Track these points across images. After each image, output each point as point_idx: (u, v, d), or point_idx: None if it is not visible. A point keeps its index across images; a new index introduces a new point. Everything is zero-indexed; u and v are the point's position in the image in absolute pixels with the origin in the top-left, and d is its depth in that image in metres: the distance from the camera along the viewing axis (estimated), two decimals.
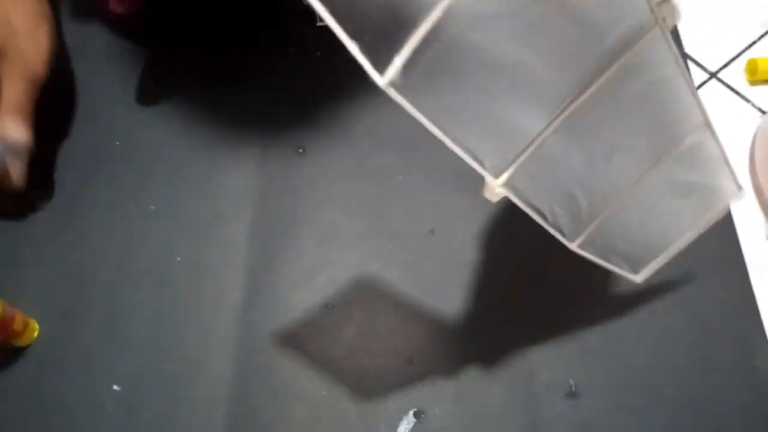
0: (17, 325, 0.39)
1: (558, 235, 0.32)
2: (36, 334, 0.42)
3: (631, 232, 0.35)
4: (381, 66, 0.22)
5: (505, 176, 0.28)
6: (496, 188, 0.28)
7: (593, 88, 0.27)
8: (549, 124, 0.28)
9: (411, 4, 0.22)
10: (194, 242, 0.46)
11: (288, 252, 0.46)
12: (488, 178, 0.28)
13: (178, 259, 0.45)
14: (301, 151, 0.49)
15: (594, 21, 0.26)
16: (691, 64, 0.55)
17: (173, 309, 0.44)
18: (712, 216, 0.37)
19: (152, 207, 0.47)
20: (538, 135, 0.28)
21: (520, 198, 0.29)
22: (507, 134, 0.28)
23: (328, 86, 0.51)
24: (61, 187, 0.47)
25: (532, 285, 0.45)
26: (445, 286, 0.45)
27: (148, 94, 0.51)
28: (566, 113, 0.28)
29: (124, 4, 0.51)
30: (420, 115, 0.24)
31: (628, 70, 0.28)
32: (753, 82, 0.54)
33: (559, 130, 0.28)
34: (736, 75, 0.54)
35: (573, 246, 0.33)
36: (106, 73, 0.52)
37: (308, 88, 0.51)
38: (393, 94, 0.23)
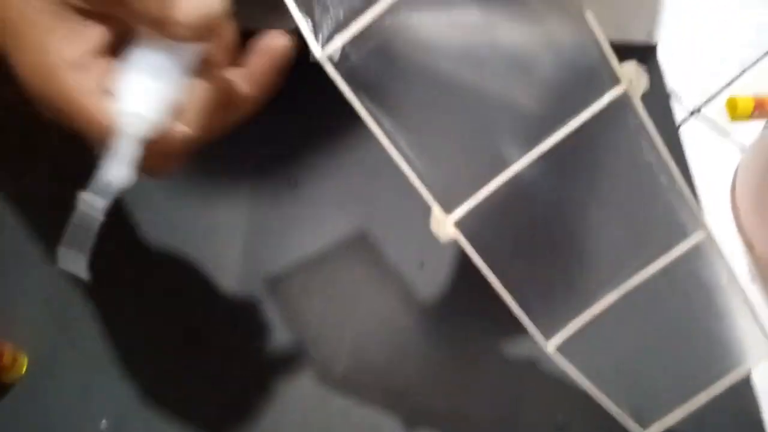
0: (6, 359, 0.39)
1: (527, 322, 0.29)
2: (24, 368, 0.41)
3: (626, 361, 0.33)
4: (324, 43, 0.25)
5: (458, 213, 0.27)
6: (445, 225, 0.27)
7: (559, 136, 0.28)
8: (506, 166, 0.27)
9: None
10: (180, 278, 0.46)
11: (278, 283, 0.46)
12: (435, 209, 0.27)
13: (165, 295, 0.45)
14: (293, 182, 0.50)
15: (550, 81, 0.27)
16: (673, 101, 0.56)
17: (159, 342, 0.44)
18: (735, 375, 0.33)
19: (145, 237, 0.47)
20: (493, 174, 0.27)
21: (474, 247, 0.28)
22: (457, 165, 0.28)
23: (321, 120, 0.52)
24: (50, 221, 0.47)
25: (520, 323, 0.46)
26: (434, 319, 0.46)
27: None
28: (534, 152, 0.27)
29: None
30: (350, 94, 0.26)
31: (597, 132, 0.28)
32: (734, 119, 0.56)
33: (525, 173, 0.28)
34: (717, 112, 0.56)
35: (549, 347, 0.30)
36: None
37: (301, 121, 0.52)
38: (328, 67, 0.25)
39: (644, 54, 0.57)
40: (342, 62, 0.25)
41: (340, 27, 0.25)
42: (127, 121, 0.25)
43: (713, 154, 0.54)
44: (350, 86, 0.25)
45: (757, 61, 0.58)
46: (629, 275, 0.29)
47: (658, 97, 0.56)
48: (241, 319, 0.45)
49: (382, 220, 0.49)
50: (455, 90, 0.27)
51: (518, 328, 0.45)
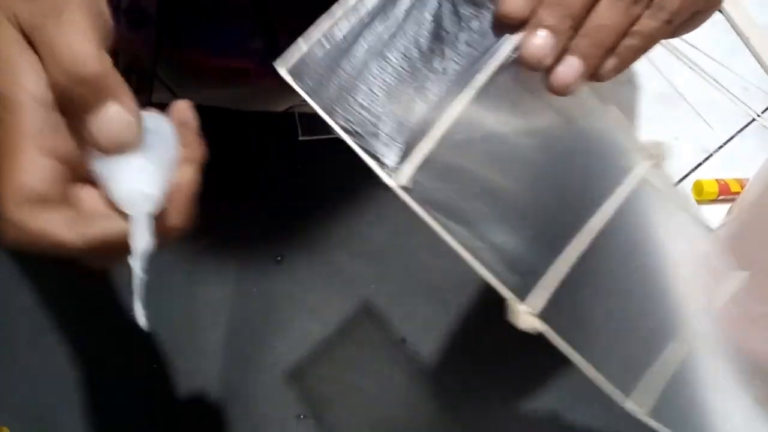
0: None
1: (610, 389, 0.30)
2: None
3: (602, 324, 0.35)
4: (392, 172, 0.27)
5: (536, 303, 0.29)
6: (526, 315, 0.29)
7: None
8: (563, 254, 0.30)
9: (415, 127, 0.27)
10: (170, 349, 0.47)
11: (262, 359, 0.47)
12: (513, 302, 0.29)
13: (154, 366, 0.46)
14: (279, 259, 0.51)
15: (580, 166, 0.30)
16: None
17: (147, 416, 0.44)
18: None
19: (125, 314, 0.48)
20: (556, 260, 0.29)
21: (560, 335, 0.29)
22: (522, 252, 0.29)
23: (306, 198, 0.54)
24: (37, 292, 0.48)
25: (503, 396, 0.47)
26: (416, 395, 0.47)
27: None
28: (582, 240, 0.30)
29: None
30: (427, 216, 0.28)
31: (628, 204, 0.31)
32: (700, 202, 0.59)
33: (582, 261, 0.30)
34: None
35: (641, 413, 0.31)
36: None
37: (287, 199, 0.54)
38: (402, 194, 0.27)
39: None
40: (412, 188, 0.27)
41: (404, 156, 0.27)
42: (133, 199, 0.26)
43: None
44: (424, 207, 0.27)
45: (720, 147, 0.61)
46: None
47: None
48: (223, 393, 0.45)
49: (363, 297, 0.50)
50: (517, 190, 0.30)
51: (496, 406, 0.47)
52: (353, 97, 0.27)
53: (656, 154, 0.32)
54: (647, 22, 0.29)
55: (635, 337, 0.32)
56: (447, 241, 0.28)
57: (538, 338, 0.30)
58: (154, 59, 0.45)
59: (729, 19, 0.69)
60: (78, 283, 0.49)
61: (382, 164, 0.27)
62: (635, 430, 0.34)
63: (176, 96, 0.58)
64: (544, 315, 0.29)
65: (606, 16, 0.28)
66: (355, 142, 0.27)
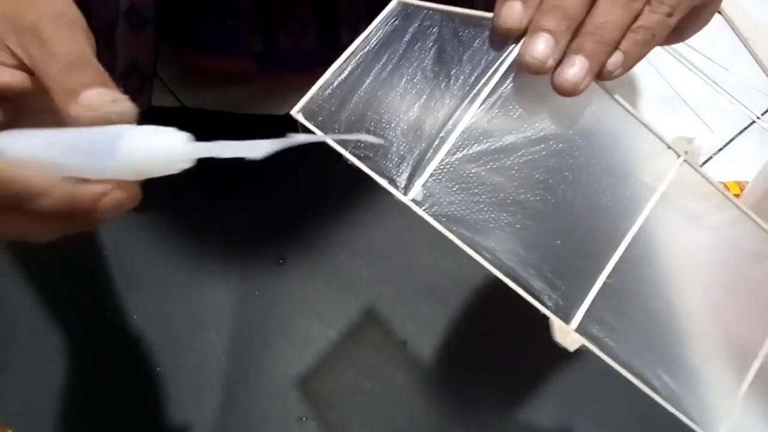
0: None
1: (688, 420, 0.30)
2: None
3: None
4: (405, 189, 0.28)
5: (576, 319, 0.29)
6: (569, 334, 0.29)
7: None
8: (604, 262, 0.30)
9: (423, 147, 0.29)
10: (174, 350, 0.47)
11: (264, 361, 0.47)
12: (556, 322, 0.29)
13: (158, 368, 0.46)
14: (281, 261, 0.52)
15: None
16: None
17: (151, 415, 0.45)
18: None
19: (135, 316, 0.48)
20: (592, 271, 0.29)
21: (606, 353, 0.29)
22: (552, 262, 0.30)
23: (308, 200, 0.55)
24: (44, 293, 0.49)
25: (504, 397, 0.47)
26: (418, 398, 0.47)
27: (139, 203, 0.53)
28: (620, 248, 0.30)
29: None
30: (443, 228, 0.28)
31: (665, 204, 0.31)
32: None
33: (620, 269, 0.30)
34: None
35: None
36: None
37: (290, 202, 0.55)
38: (415, 208, 0.28)
39: None
40: (426, 201, 0.28)
41: (414, 172, 0.28)
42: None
43: None
44: (440, 221, 0.28)
45: (720, 149, 0.62)
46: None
47: None
48: (225, 394, 0.46)
49: (365, 298, 0.51)
50: (539, 197, 0.30)
51: (498, 407, 0.47)
52: (362, 126, 0.28)
53: (689, 151, 0.32)
54: (649, 16, 0.29)
55: (677, 338, 0.32)
56: (472, 255, 0.28)
57: (539, 340, 0.30)
58: (154, 61, 0.46)
59: (728, 21, 0.69)
60: (80, 281, 0.49)
61: (393, 182, 0.28)
62: (639, 428, 0.35)
63: (177, 97, 0.58)
64: (586, 330, 0.29)
65: (607, 12, 0.28)
66: (367, 165, 0.28)
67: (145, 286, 0.50)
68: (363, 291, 0.51)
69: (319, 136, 0.27)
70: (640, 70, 0.64)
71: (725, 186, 0.58)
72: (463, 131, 0.29)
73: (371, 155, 0.28)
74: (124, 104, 0.26)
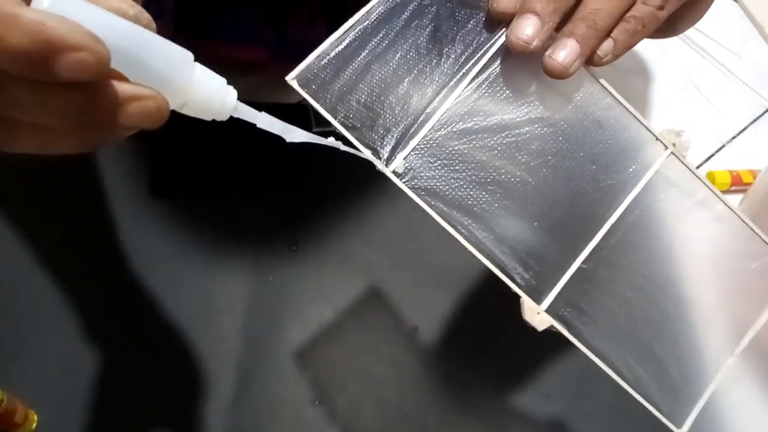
0: (18, 417, 0.41)
1: (659, 415, 0.31)
2: (35, 425, 0.43)
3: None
4: (387, 161, 0.29)
5: (547, 301, 0.30)
6: (538, 314, 0.29)
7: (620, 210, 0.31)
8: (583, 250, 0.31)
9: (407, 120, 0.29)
10: (189, 335, 0.48)
11: (277, 346, 0.48)
12: (527, 301, 0.29)
13: (173, 353, 0.47)
14: (294, 248, 0.52)
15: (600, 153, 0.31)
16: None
17: (167, 400, 0.46)
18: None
19: (151, 301, 0.49)
20: (569, 257, 0.30)
21: (575, 335, 0.30)
22: (535, 252, 0.30)
23: (320, 188, 0.55)
24: (63, 280, 0.50)
25: (513, 383, 0.48)
26: (428, 381, 0.48)
27: (155, 189, 0.54)
28: (598, 235, 0.31)
29: None
30: (420, 201, 0.30)
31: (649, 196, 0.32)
32: None
33: (596, 255, 0.31)
34: None
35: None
36: (113, 171, 0.55)
37: (302, 189, 0.55)
38: (395, 179, 0.29)
39: None
40: (407, 174, 0.29)
41: (398, 145, 0.29)
42: None
43: None
44: (419, 194, 0.29)
45: (733, 137, 0.61)
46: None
47: None
48: (239, 378, 0.47)
49: (376, 284, 0.51)
50: (519, 179, 0.31)
51: (509, 391, 0.47)
52: (353, 96, 0.29)
53: (676, 144, 0.33)
54: (640, 8, 0.30)
55: (648, 327, 0.33)
56: (447, 229, 0.29)
57: (549, 330, 0.30)
58: None
59: (743, 7, 0.69)
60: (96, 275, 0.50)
61: (377, 153, 0.29)
62: (648, 416, 0.35)
63: None
64: (557, 312, 0.30)
65: (601, 0, 0.29)
66: (353, 135, 0.29)
67: (161, 272, 0.50)
68: (374, 277, 0.52)
69: (331, 142, 0.28)
70: (653, 57, 0.63)
71: (738, 174, 0.58)
72: (448, 108, 0.30)
73: (358, 126, 0.29)
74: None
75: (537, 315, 0.29)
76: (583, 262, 0.30)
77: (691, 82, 0.64)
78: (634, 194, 0.32)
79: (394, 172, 0.29)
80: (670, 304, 0.33)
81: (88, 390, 0.45)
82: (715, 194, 0.33)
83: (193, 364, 0.47)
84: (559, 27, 0.30)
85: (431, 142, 0.30)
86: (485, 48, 0.30)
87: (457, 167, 0.30)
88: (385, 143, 0.29)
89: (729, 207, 0.34)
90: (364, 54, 0.29)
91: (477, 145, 0.30)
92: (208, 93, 0.25)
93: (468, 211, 0.30)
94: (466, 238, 0.29)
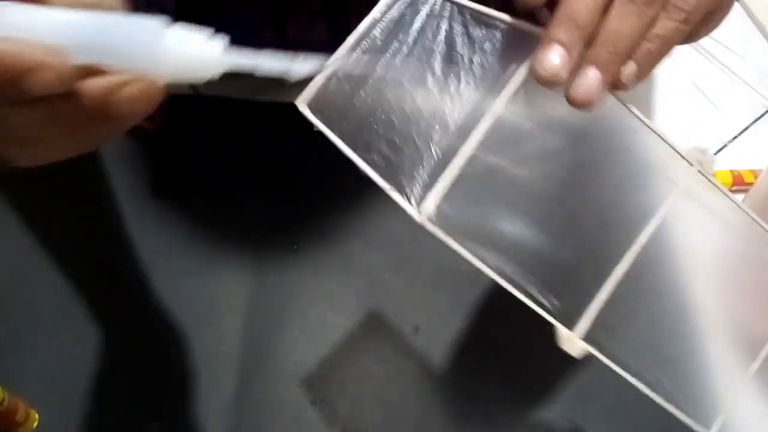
0: (19, 416, 0.41)
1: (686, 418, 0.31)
2: (35, 424, 0.43)
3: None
4: (417, 203, 0.27)
5: (582, 327, 0.29)
6: (574, 341, 0.29)
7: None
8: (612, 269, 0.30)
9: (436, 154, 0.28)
10: (189, 335, 0.48)
11: (278, 347, 0.48)
12: (561, 329, 0.29)
13: (174, 354, 0.47)
14: (295, 248, 0.52)
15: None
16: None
17: (168, 400, 0.46)
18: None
19: (152, 302, 0.49)
20: (599, 280, 0.30)
21: (608, 357, 0.29)
22: (560, 273, 0.30)
23: (322, 188, 0.55)
24: (64, 278, 0.50)
25: (514, 384, 0.48)
26: (430, 383, 0.48)
27: (156, 189, 0.54)
28: (627, 258, 0.30)
29: (155, 121, 0.54)
30: (457, 246, 0.28)
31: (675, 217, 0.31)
32: None
33: (627, 278, 0.30)
34: None
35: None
36: (115, 171, 0.55)
37: (303, 189, 0.55)
38: (430, 227, 0.27)
39: None
40: (440, 218, 0.27)
41: (429, 186, 0.27)
42: None
43: None
44: (455, 237, 0.27)
45: (735, 137, 0.61)
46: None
47: None
48: (239, 378, 0.47)
49: (377, 285, 0.51)
50: (547, 208, 0.30)
51: (508, 395, 0.47)
52: (373, 128, 0.27)
53: (702, 161, 0.32)
54: (664, 24, 0.28)
55: (673, 341, 0.33)
56: (484, 271, 0.28)
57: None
58: None
59: (745, 8, 0.69)
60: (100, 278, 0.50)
61: (405, 194, 0.27)
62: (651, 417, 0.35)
63: (192, 85, 0.59)
64: (592, 337, 0.29)
65: (620, 22, 0.27)
66: (379, 174, 0.27)
67: (162, 271, 0.50)
68: (376, 278, 0.52)
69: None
70: None
71: (740, 174, 0.58)
72: (476, 141, 0.28)
73: (384, 165, 0.27)
74: None
75: (573, 343, 0.29)
76: (613, 285, 0.30)
77: (693, 83, 0.64)
78: (662, 213, 0.31)
79: (428, 218, 0.27)
80: (692, 319, 0.33)
81: (88, 389, 0.46)
82: (741, 208, 0.33)
83: (194, 364, 0.47)
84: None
85: (461, 179, 0.28)
86: (506, 75, 0.29)
87: (487, 202, 0.29)
88: (414, 183, 0.27)
89: (760, 223, 0.33)
90: (378, 78, 0.27)
91: (505, 178, 0.29)
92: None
93: (497, 245, 0.29)
94: (498, 273, 0.28)
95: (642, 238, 0.30)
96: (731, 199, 0.32)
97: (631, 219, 0.31)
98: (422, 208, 0.27)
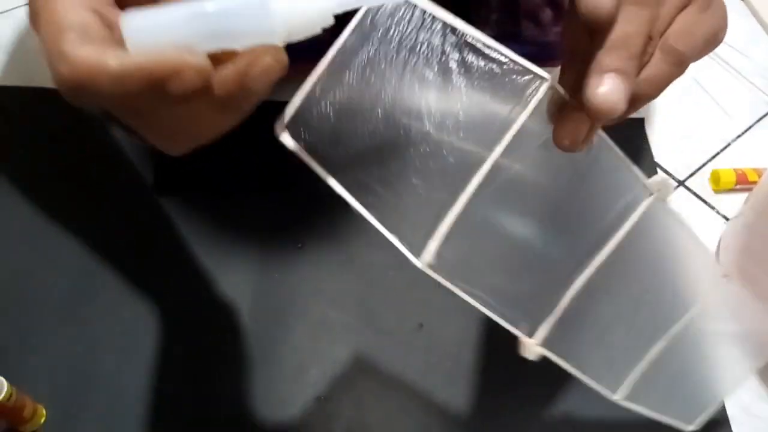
0: (27, 412, 0.41)
1: (599, 388, 0.34)
2: (43, 420, 0.44)
3: (679, 384, 0.36)
4: (417, 250, 0.27)
5: (540, 335, 0.31)
6: (532, 347, 0.31)
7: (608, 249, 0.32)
8: (569, 286, 0.32)
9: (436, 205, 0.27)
10: (193, 332, 0.49)
11: (282, 345, 0.48)
12: (523, 338, 0.31)
13: (178, 350, 0.48)
14: (300, 246, 0.53)
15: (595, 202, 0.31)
16: (660, 172, 0.59)
17: (173, 398, 0.46)
18: (758, 363, 0.39)
19: (155, 296, 0.50)
20: (561, 296, 0.31)
21: (559, 356, 0.32)
22: (533, 297, 0.32)
23: (327, 187, 0.55)
24: (69, 275, 0.50)
25: (517, 382, 0.48)
26: (433, 380, 0.48)
27: (161, 187, 0.55)
28: (585, 275, 0.32)
29: None
30: (456, 289, 0.29)
31: (634, 235, 0.32)
32: (717, 191, 0.59)
33: (583, 292, 0.31)
34: (701, 184, 0.59)
35: (616, 398, 0.34)
36: (118, 170, 0.55)
37: (308, 188, 0.55)
38: (432, 273, 0.27)
39: (632, 127, 0.61)
40: (440, 265, 0.27)
41: (429, 233, 0.27)
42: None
43: (698, 224, 0.56)
44: (454, 283, 0.28)
45: (738, 136, 0.61)
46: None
47: (645, 169, 0.59)
48: (243, 376, 0.47)
49: (381, 283, 0.51)
50: (523, 239, 0.31)
51: (513, 393, 0.48)
52: (363, 167, 0.26)
53: (660, 191, 0.33)
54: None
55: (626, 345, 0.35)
56: (474, 304, 0.29)
57: None
58: None
59: (749, 5, 0.69)
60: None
61: (406, 241, 0.27)
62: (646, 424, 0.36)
63: None
64: (549, 343, 0.31)
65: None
66: (375, 217, 0.27)
67: (167, 269, 0.51)
68: (379, 275, 0.52)
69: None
70: None
71: (744, 172, 0.58)
72: (473, 189, 0.27)
73: (380, 206, 0.26)
74: None
75: (530, 348, 0.31)
76: (574, 299, 0.31)
77: (695, 81, 0.64)
78: (622, 234, 0.32)
79: (428, 265, 0.27)
80: (656, 324, 0.34)
81: (95, 386, 0.46)
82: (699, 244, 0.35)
83: (198, 361, 0.47)
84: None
85: (460, 225, 0.27)
86: (504, 115, 0.26)
87: (475, 246, 0.29)
88: (415, 230, 0.26)
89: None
90: (366, 107, 0.25)
91: (493, 222, 0.29)
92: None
93: (482, 284, 0.29)
94: (483, 304, 0.30)
95: (601, 256, 0.32)
96: (687, 228, 0.34)
97: (598, 235, 0.32)
98: (423, 256, 0.27)
